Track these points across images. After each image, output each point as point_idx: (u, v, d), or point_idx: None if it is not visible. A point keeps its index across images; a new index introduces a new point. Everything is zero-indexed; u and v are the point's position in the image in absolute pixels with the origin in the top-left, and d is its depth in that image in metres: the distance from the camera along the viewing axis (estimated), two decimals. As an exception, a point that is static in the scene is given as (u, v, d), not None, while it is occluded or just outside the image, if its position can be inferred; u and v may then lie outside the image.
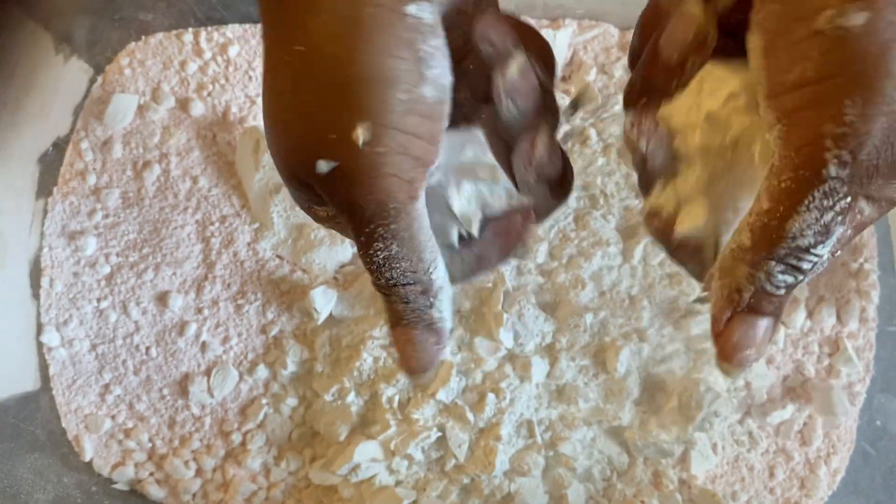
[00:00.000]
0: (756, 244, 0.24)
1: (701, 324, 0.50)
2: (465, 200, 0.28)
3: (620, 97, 0.52)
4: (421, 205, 0.25)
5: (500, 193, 0.29)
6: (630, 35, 0.53)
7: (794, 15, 0.22)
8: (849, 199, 0.22)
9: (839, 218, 0.22)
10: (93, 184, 0.53)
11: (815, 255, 0.23)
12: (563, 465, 0.49)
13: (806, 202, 0.22)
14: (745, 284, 0.25)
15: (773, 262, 0.23)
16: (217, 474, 0.51)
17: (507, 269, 0.50)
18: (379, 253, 0.25)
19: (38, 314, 0.52)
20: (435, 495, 0.48)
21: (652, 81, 0.28)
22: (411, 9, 0.23)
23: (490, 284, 0.50)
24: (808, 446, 0.51)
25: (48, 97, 0.52)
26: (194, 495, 0.51)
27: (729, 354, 0.26)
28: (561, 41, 0.52)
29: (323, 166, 0.24)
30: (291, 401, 0.51)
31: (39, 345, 0.52)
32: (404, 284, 0.26)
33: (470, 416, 0.48)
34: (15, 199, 0.51)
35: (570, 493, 0.48)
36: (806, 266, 0.23)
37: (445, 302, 0.27)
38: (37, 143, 0.52)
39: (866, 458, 0.52)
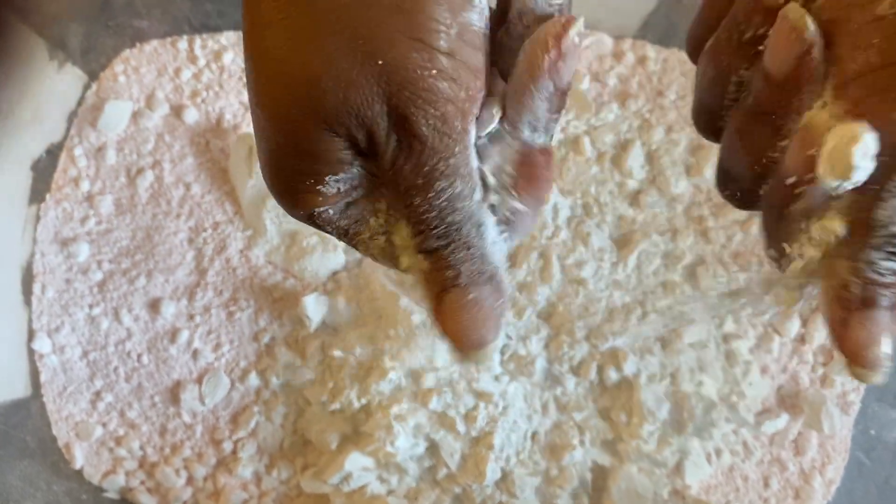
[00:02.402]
0: (853, 236, 0.23)
1: (694, 333, 0.50)
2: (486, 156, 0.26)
3: (614, 105, 0.52)
4: (472, 141, 0.24)
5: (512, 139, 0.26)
6: (624, 44, 0.53)
7: (855, 2, 0.21)
8: None
9: None
10: (86, 190, 0.53)
11: None
12: (555, 474, 0.49)
13: (888, 188, 0.21)
14: (851, 279, 0.24)
15: (872, 251, 0.23)
16: (208, 483, 0.51)
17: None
18: (442, 193, 0.23)
19: (30, 320, 0.52)
20: (427, 504, 0.48)
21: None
22: None
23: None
24: (802, 456, 0.51)
25: (42, 103, 0.52)
26: (185, 503, 0.51)
27: (859, 357, 0.24)
28: (555, 49, 0.52)
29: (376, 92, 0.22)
30: (283, 409, 0.51)
31: (30, 351, 0.52)
32: (465, 230, 0.24)
33: (461, 425, 0.48)
34: (7, 205, 0.51)
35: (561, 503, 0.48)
36: None
37: (501, 253, 0.25)
38: (30, 149, 0.52)
39: (861, 467, 0.51)
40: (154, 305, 0.52)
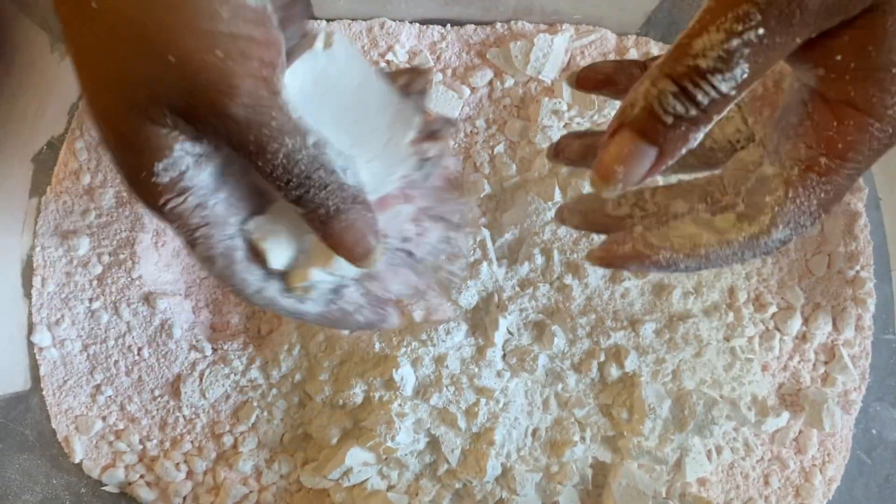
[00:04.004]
0: (663, 60, 0.23)
1: (694, 335, 0.50)
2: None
3: (617, 102, 0.52)
4: (287, 97, 0.26)
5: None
6: (627, 41, 0.53)
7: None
8: (761, 31, 0.22)
9: (745, 51, 0.22)
10: (87, 183, 0.53)
11: (710, 87, 0.23)
12: (556, 470, 0.49)
13: (717, 22, 0.22)
14: (638, 100, 0.24)
15: (669, 81, 0.23)
16: (208, 477, 0.51)
17: (504, 278, 0.50)
18: (278, 154, 0.26)
19: (30, 314, 0.52)
20: (427, 500, 0.48)
21: None
22: None
23: (485, 292, 0.50)
24: (803, 454, 0.51)
25: (43, 96, 0.52)
26: (185, 498, 0.51)
27: (599, 165, 0.26)
28: (558, 46, 0.52)
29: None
30: (284, 403, 0.51)
31: (30, 344, 0.51)
32: (314, 174, 0.27)
33: (462, 421, 0.48)
34: (8, 198, 0.51)
35: (562, 500, 0.48)
36: (700, 98, 0.23)
37: (354, 173, 0.28)
38: (31, 142, 0.52)
39: (861, 466, 0.51)
40: (154, 299, 0.52)
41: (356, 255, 0.29)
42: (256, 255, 0.30)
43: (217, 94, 0.24)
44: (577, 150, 0.39)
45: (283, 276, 0.31)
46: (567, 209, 0.37)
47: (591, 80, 0.36)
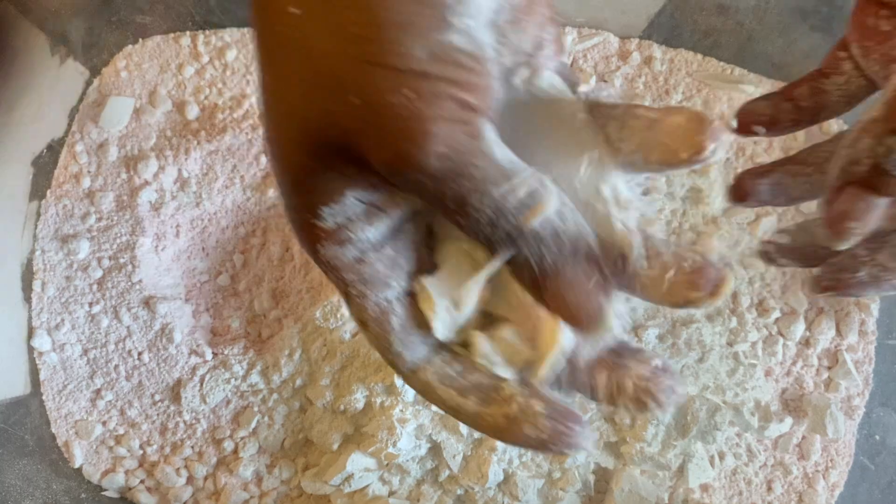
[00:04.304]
0: (885, 117, 0.23)
1: (697, 340, 0.49)
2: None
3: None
4: (494, 135, 0.22)
5: None
6: (630, 44, 0.53)
7: None
8: None
9: None
10: (87, 187, 0.53)
11: None
12: (558, 476, 0.48)
13: None
14: (862, 157, 0.24)
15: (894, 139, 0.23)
16: (208, 482, 0.50)
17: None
18: (483, 208, 0.21)
19: (30, 318, 0.52)
20: (429, 506, 0.48)
21: None
22: None
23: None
24: (806, 460, 0.51)
25: (43, 99, 0.52)
26: (185, 503, 0.50)
27: (833, 222, 0.26)
28: (561, 49, 0.52)
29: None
30: (284, 409, 0.50)
31: (30, 349, 0.51)
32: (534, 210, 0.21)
33: (464, 427, 0.48)
34: (8, 202, 0.51)
35: (565, 506, 0.48)
36: None
37: (575, 218, 0.23)
38: (31, 145, 0.52)
39: (864, 472, 0.51)
40: (155, 303, 0.52)
41: (582, 319, 0.23)
42: (420, 322, 0.25)
43: (405, 142, 0.21)
44: (767, 191, 0.36)
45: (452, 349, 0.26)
46: (776, 248, 0.36)
47: (755, 123, 0.35)
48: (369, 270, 0.24)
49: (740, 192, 0.36)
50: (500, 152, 0.22)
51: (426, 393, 0.26)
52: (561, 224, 0.22)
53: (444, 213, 0.22)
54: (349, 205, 0.23)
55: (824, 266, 0.33)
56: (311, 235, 0.24)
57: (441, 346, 0.26)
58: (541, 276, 0.23)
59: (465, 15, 0.21)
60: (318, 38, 0.21)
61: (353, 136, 0.21)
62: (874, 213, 0.26)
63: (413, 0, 0.20)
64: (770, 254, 0.37)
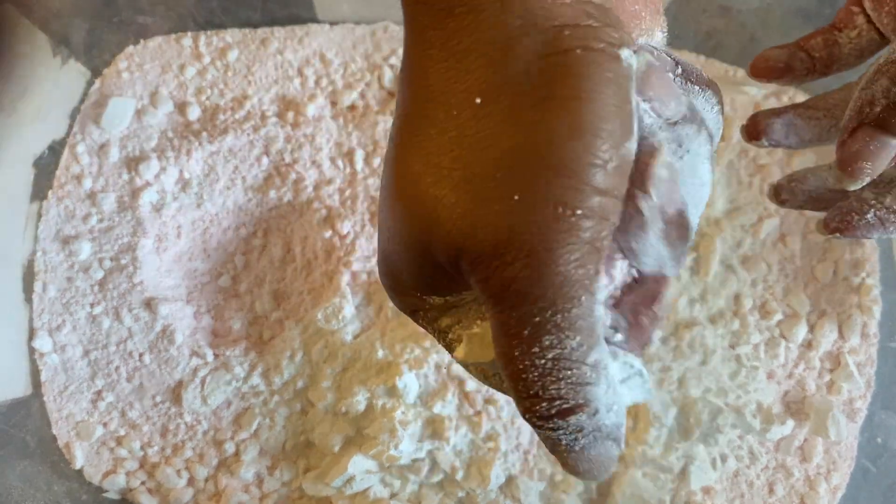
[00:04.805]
0: None
1: (700, 343, 0.49)
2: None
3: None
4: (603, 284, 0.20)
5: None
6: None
7: None
8: None
9: None
10: (88, 188, 0.53)
11: None
12: (560, 479, 0.48)
13: None
14: (879, 97, 0.25)
15: None
16: (209, 484, 0.50)
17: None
18: (548, 352, 0.19)
19: (31, 319, 0.51)
20: (430, 508, 0.48)
21: None
22: (625, 53, 0.20)
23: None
24: (808, 463, 0.51)
25: (45, 100, 0.52)
26: (186, 505, 0.50)
27: (845, 163, 0.26)
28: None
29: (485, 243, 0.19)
30: (286, 410, 0.50)
31: (31, 350, 0.51)
32: (572, 409, 0.20)
33: (467, 429, 0.47)
34: (9, 202, 0.51)
35: (567, 508, 0.48)
36: None
37: (621, 412, 0.21)
38: (32, 146, 0.52)
39: (866, 475, 0.51)
40: (156, 304, 0.51)
41: (583, 477, 0.22)
42: None
43: (538, 264, 0.19)
44: (781, 130, 0.36)
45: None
46: (786, 189, 0.37)
47: (770, 69, 0.36)
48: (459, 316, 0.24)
49: (755, 129, 0.37)
50: (598, 317, 0.20)
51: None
52: (604, 417, 0.20)
53: (510, 330, 0.20)
54: (450, 300, 0.23)
55: (833, 208, 0.34)
56: (413, 304, 0.24)
57: None
58: (563, 450, 0.21)
59: (637, 119, 0.20)
60: (496, 133, 0.20)
61: (488, 237, 0.20)
62: (887, 153, 0.26)
63: (610, 103, 0.19)
64: (782, 191, 0.37)
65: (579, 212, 0.19)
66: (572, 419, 0.20)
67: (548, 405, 0.20)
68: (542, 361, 0.20)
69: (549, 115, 0.19)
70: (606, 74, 0.19)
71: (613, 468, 0.22)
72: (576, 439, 0.20)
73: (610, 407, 0.20)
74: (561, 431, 0.20)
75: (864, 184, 0.28)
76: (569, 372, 0.20)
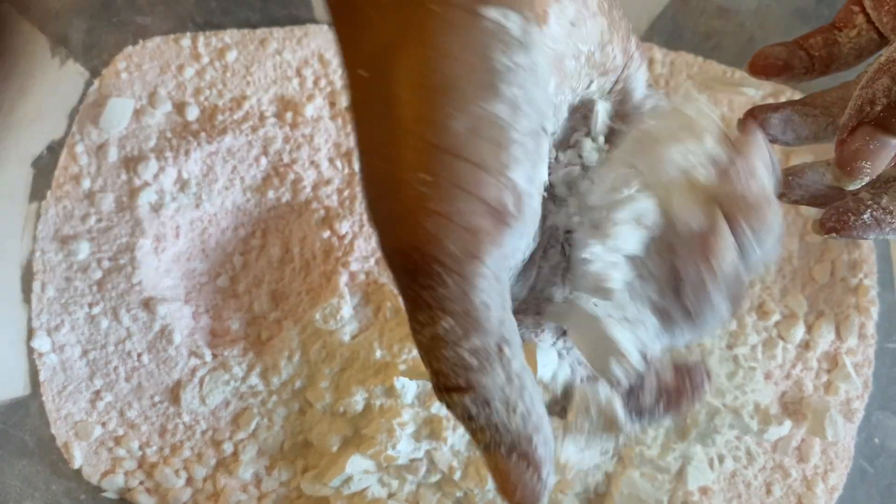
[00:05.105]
0: None
1: (697, 343, 0.49)
2: (625, 338, 0.23)
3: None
4: (493, 277, 0.19)
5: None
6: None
7: None
8: None
9: None
10: (87, 188, 0.53)
11: None
12: (558, 479, 0.48)
13: None
14: (879, 96, 0.25)
15: None
16: (208, 484, 0.50)
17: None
18: (425, 329, 0.20)
19: (30, 319, 0.51)
20: (428, 508, 0.48)
21: None
22: (491, 13, 0.19)
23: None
24: (805, 463, 0.51)
25: (43, 100, 0.52)
26: (184, 504, 0.50)
27: (844, 161, 0.26)
28: (561, 51, 0.52)
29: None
30: (284, 410, 0.50)
31: (30, 350, 0.51)
32: (456, 389, 0.20)
33: (462, 430, 0.47)
34: (8, 203, 0.51)
35: (564, 508, 0.48)
36: None
37: (531, 424, 0.20)
38: (31, 146, 0.52)
39: (864, 475, 0.51)
40: (154, 304, 0.52)
41: (510, 498, 0.21)
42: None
43: (398, 230, 0.20)
44: (778, 125, 0.36)
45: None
46: (783, 183, 0.37)
47: (769, 66, 0.36)
48: None
49: (751, 119, 0.37)
50: (486, 302, 0.19)
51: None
52: (491, 414, 0.20)
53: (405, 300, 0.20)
54: None
55: (829, 208, 0.34)
56: None
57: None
58: (483, 445, 0.21)
59: (518, 86, 0.19)
60: (381, 104, 0.20)
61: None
62: (887, 153, 0.26)
63: (461, 59, 0.19)
64: (778, 184, 0.37)
65: (427, 176, 0.18)
66: (457, 398, 0.20)
67: (434, 378, 0.20)
68: (422, 338, 0.20)
69: (397, 73, 0.19)
70: (462, 32, 0.19)
71: (537, 498, 0.21)
72: (482, 434, 0.20)
73: (513, 408, 0.20)
74: (454, 411, 0.20)
75: (863, 183, 0.28)
76: (444, 352, 0.19)
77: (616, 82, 0.25)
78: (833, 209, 0.33)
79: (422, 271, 0.19)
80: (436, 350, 0.20)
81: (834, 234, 0.33)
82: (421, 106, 0.19)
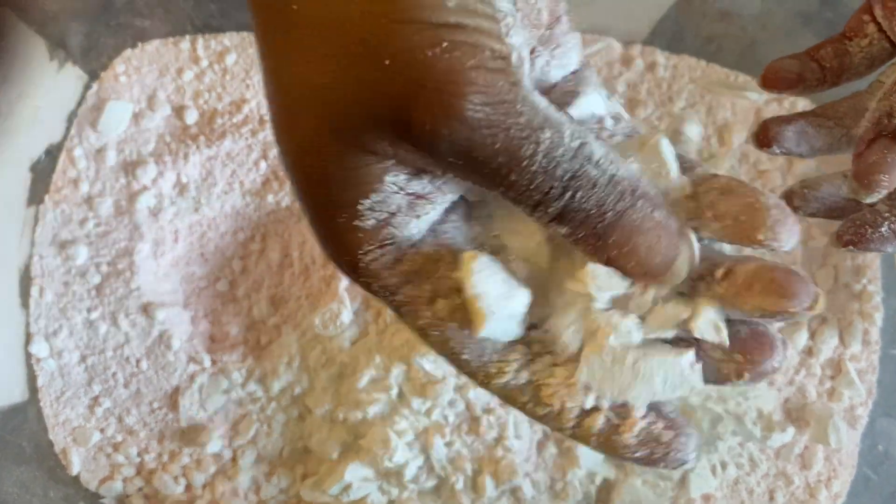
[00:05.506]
0: None
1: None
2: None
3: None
4: (530, 83, 0.21)
5: None
6: (633, 50, 0.53)
7: None
8: None
9: None
10: (85, 192, 0.52)
11: None
12: (560, 487, 0.48)
13: None
14: None
15: None
16: (206, 491, 0.50)
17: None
18: (536, 155, 0.20)
19: (27, 324, 0.51)
20: (428, 516, 0.48)
21: None
22: None
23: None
24: (808, 470, 0.51)
25: (42, 103, 0.51)
26: (183, 511, 0.50)
27: (862, 174, 0.26)
28: (563, 55, 0.52)
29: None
30: (283, 417, 0.50)
31: (28, 355, 0.51)
32: (580, 169, 0.20)
33: (466, 437, 0.47)
34: (5, 207, 0.51)
35: (566, 516, 0.48)
36: None
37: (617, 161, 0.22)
38: (29, 150, 0.51)
39: (867, 482, 0.51)
40: (153, 309, 0.51)
41: (654, 269, 0.22)
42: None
43: (447, 97, 0.19)
44: (792, 137, 0.36)
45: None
46: (799, 196, 0.37)
47: (782, 80, 0.35)
48: (411, 268, 0.23)
49: (765, 136, 0.36)
50: (540, 100, 0.21)
51: (505, 400, 0.24)
52: (615, 168, 0.21)
53: (492, 179, 0.21)
54: (390, 195, 0.22)
55: (846, 221, 0.33)
56: (351, 241, 0.22)
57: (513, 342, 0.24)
58: (604, 226, 0.21)
59: None
60: (338, 6, 0.20)
61: (390, 104, 0.20)
62: None
63: None
64: (794, 198, 0.37)
65: (444, 46, 0.19)
66: (583, 176, 0.21)
67: (559, 189, 0.21)
68: (536, 167, 0.20)
69: None
70: None
71: (675, 248, 0.22)
72: (603, 201, 0.21)
73: (612, 159, 0.21)
74: (581, 196, 0.21)
75: (881, 196, 0.27)
76: (559, 156, 0.20)
77: (546, 43, 0.25)
78: (850, 222, 0.33)
79: (504, 119, 0.20)
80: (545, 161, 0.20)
81: (851, 247, 0.32)
82: None
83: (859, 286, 0.51)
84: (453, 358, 0.24)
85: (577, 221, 0.21)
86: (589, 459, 0.48)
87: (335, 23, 0.20)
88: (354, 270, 0.23)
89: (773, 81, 0.36)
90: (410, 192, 0.22)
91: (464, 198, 0.24)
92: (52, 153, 0.53)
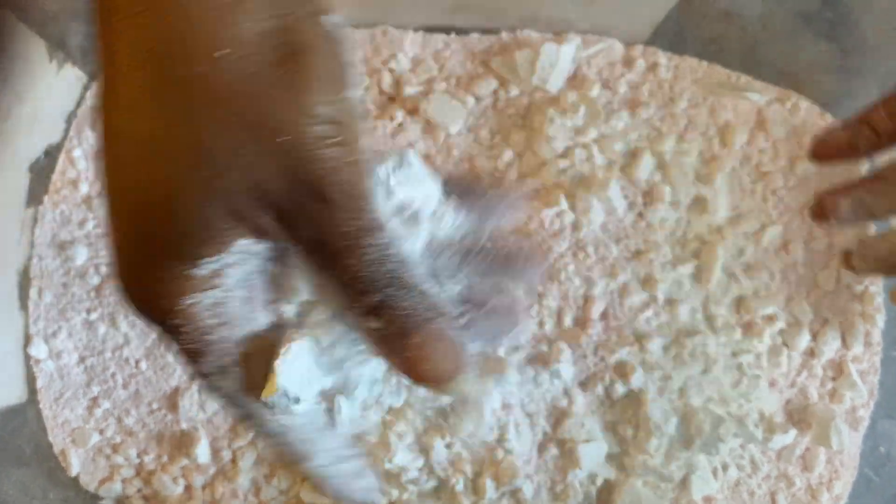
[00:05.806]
0: None
1: (702, 351, 0.49)
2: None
3: (624, 113, 0.51)
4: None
5: None
6: (635, 51, 0.53)
7: None
8: None
9: None
10: (85, 193, 0.52)
11: None
12: (560, 489, 0.48)
13: None
14: None
15: None
16: (206, 492, 0.50)
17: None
18: (371, 248, 0.23)
19: (27, 325, 0.51)
20: (428, 518, 0.48)
21: None
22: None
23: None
24: (809, 472, 0.50)
25: (41, 104, 0.51)
26: (183, 513, 0.50)
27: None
28: (564, 55, 0.52)
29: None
30: (283, 418, 0.50)
31: (27, 356, 0.51)
32: (406, 272, 0.24)
33: (465, 439, 0.47)
34: (4, 208, 0.51)
35: (566, 518, 0.48)
36: None
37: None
38: (28, 151, 0.51)
39: (869, 484, 0.51)
40: (153, 311, 0.51)
41: (440, 374, 0.24)
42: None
43: (323, 180, 0.22)
44: (849, 210, 0.37)
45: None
46: (858, 257, 0.36)
47: (832, 151, 0.35)
48: (227, 312, 0.25)
49: (822, 212, 0.36)
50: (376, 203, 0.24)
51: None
52: (427, 285, 0.24)
53: (329, 259, 0.23)
54: (234, 253, 0.24)
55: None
56: (179, 287, 0.24)
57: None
58: (410, 326, 0.24)
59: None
60: (240, 83, 0.22)
61: (275, 180, 0.22)
62: None
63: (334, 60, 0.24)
64: (853, 258, 0.37)
65: (333, 141, 0.23)
66: (401, 281, 0.24)
67: (382, 284, 0.24)
68: (369, 258, 0.24)
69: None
70: None
71: (461, 362, 0.25)
72: (414, 306, 0.24)
73: (422, 276, 0.25)
74: (398, 298, 0.24)
75: None
76: (387, 256, 0.24)
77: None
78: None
79: (360, 200, 0.24)
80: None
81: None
82: (315, 94, 0.24)
83: (861, 288, 0.51)
84: (224, 401, 0.27)
85: (390, 316, 0.24)
86: (590, 461, 0.48)
87: (229, 94, 0.23)
88: (167, 312, 0.24)
89: (823, 154, 0.35)
90: (246, 252, 0.24)
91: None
92: (52, 154, 0.52)
